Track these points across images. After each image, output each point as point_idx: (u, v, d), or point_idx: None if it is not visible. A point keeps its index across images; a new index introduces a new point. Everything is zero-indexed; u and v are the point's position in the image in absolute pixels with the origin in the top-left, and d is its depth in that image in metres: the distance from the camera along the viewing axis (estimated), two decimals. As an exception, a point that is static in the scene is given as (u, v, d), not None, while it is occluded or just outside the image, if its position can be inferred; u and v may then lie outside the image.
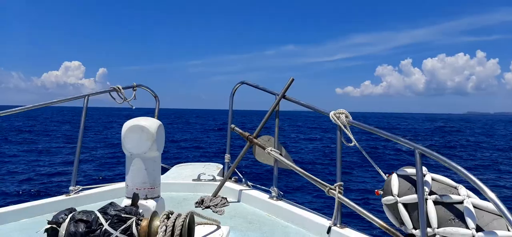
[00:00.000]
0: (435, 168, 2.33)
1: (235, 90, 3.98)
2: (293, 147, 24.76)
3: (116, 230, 1.73)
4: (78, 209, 1.90)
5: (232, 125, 3.66)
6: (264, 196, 3.29)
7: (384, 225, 2.32)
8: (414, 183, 2.17)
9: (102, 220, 1.75)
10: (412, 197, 2.14)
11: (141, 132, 2.43)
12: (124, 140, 2.45)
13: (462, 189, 2.08)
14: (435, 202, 2.04)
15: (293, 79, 3.30)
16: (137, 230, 1.76)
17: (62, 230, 1.71)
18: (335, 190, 2.56)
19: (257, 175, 9.94)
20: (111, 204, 1.90)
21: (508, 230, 1.77)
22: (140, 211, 1.99)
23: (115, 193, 3.40)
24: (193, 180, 3.89)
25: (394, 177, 2.32)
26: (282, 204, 3.07)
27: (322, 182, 2.71)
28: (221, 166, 4.53)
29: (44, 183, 12.00)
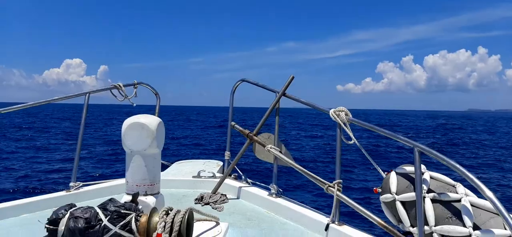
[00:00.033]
0: (436, 166, 2.33)
1: (236, 87, 3.99)
2: (294, 144, 24.74)
3: (115, 225, 1.75)
4: (78, 205, 1.92)
5: (233, 123, 3.67)
6: (263, 193, 3.30)
7: (382, 223, 2.32)
8: (412, 181, 2.18)
9: (102, 216, 1.77)
10: (410, 195, 2.15)
11: (141, 129, 2.45)
12: (124, 137, 2.47)
13: (460, 188, 2.09)
14: (433, 200, 2.05)
15: (293, 77, 3.32)
16: (136, 226, 1.78)
17: (62, 225, 1.73)
18: (334, 187, 2.57)
19: (257, 172, 9.96)
20: (110, 200, 1.92)
21: (505, 229, 1.78)
22: (140, 207, 2.01)
23: (115, 190, 3.41)
24: (193, 177, 3.90)
25: (393, 175, 2.33)
26: (281, 201, 3.08)
27: (321, 179, 2.71)
28: (221, 163, 4.55)
29: (41, 180, 11.98)
